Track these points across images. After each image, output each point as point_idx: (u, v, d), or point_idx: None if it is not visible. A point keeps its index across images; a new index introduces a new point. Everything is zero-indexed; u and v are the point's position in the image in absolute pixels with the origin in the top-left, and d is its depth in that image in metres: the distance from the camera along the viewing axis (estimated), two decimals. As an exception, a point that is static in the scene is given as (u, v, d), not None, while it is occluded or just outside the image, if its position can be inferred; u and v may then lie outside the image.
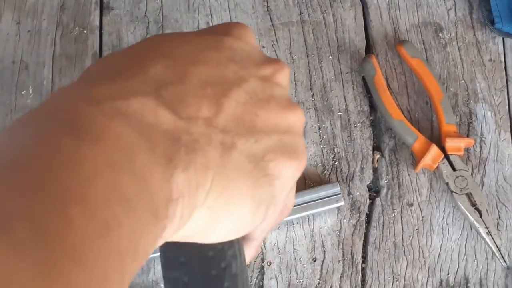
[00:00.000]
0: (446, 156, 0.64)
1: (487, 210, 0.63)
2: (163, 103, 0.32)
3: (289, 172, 0.36)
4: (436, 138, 0.66)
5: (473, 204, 0.63)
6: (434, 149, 0.64)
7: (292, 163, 0.36)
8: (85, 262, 0.25)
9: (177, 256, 0.36)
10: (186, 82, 0.33)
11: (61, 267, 0.24)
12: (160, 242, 0.31)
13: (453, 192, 0.64)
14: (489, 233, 0.62)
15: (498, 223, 0.65)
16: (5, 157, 0.26)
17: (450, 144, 0.64)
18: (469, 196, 0.63)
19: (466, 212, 0.63)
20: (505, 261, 0.62)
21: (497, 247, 0.62)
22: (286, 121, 0.37)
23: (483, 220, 0.62)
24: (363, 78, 0.69)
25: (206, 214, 0.33)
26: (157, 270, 0.63)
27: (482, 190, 0.66)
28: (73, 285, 0.24)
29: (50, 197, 0.25)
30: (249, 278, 0.64)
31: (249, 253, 0.42)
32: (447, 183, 0.64)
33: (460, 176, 0.64)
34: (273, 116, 0.36)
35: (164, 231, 0.30)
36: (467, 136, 0.67)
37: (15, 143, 0.27)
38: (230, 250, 0.38)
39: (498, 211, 0.65)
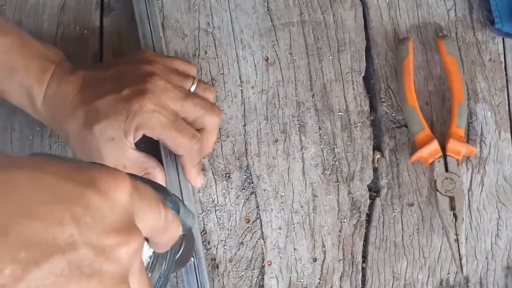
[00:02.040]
0: (444, 156, 0.64)
1: (463, 219, 0.62)
2: None
3: None
4: (441, 136, 0.66)
5: (453, 208, 0.63)
6: (434, 145, 0.64)
7: None
8: None
9: None
10: (2, 239, 0.31)
11: None
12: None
13: (438, 191, 0.63)
14: (456, 241, 0.62)
15: (468, 235, 0.65)
16: None
17: (452, 145, 0.64)
18: (451, 199, 0.63)
19: (443, 213, 0.62)
20: (462, 271, 0.61)
21: (460, 256, 0.61)
22: None
23: (455, 226, 0.62)
24: (363, 78, 0.69)
25: None
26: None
27: (482, 190, 0.66)
28: None
29: None
30: (250, 278, 0.64)
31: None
32: (435, 181, 0.64)
33: (450, 178, 0.64)
34: None
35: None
36: (468, 137, 0.67)
37: None
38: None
39: (498, 211, 0.66)
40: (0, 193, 0.32)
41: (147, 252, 0.41)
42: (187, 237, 0.49)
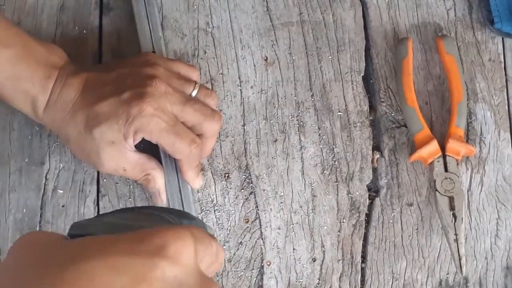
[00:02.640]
0: (444, 156, 0.64)
1: (462, 219, 0.62)
2: None
3: None
4: (441, 136, 0.66)
5: (452, 208, 0.63)
6: (434, 145, 0.64)
7: None
8: None
9: None
10: None
11: None
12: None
13: (437, 191, 0.63)
14: (456, 241, 0.62)
15: (467, 235, 0.65)
16: None
17: (451, 145, 0.64)
18: (451, 199, 0.63)
19: (442, 213, 0.62)
20: (461, 272, 0.61)
21: (459, 256, 0.61)
22: None
23: (455, 226, 0.62)
24: (363, 78, 0.69)
25: None
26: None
27: (481, 190, 0.66)
28: None
29: None
30: (249, 278, 0.64)
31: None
32: (435, 181, 0.64)
33: (449, 178, 0.64)
34: None
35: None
36: (467, 137, 0.67)
37: None
38: None
39: (498, 211, 0.66)
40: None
41: None
42: None
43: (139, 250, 0.33)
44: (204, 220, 0.65)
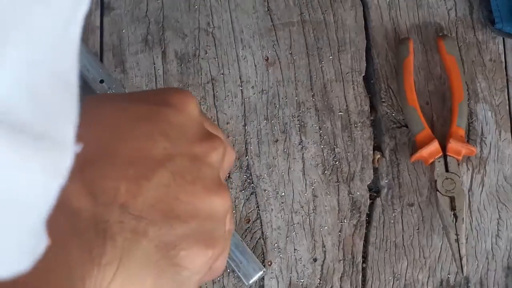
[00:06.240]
0: (444, 156, 0.64)
1: (463, 219, 0.62)
2: (85, 186, 0.32)
3: (201, 261, 0.35)
4: (442, 136, 0.66)
5: (453, 208, 0.63)
6: (435, 145, 0.64)
7: (206, 252, 0.35)
8: None
9: None
10: (109, 161, 0.33)
11: None
12: None
13: (438, 191, 0.63)
14: (457, 241, 0.61)
15: (468, 235, 0.65)
16: None
17: (452, 145, 0.64)
18: (451, 199, 0.63)
19: (443, 213, 0.62)
20: (462, 272, 0.61)
21: (460, 256, 0.61)
22: (209, 206, 0.35)
23: (456, 226, 0.62)
24: (364, 78, 0.69)
25: None
26: None
27: (482, 190, 0.66)
28: None
29: None
30: (250, 278, 0.64)
31: None
32: (435, 181, 0.64)
33: (450, 178, 0.64)
34: (195, 200, 0.35)
35: None
36: (468, 137, 0.67)
37: None
38: None
39: (499, 211, 0.66)
40: (96, 122, 0.35)
41: None
42: None
43: (145, 100, 0.37)
44: (205, 220, 0.65)
